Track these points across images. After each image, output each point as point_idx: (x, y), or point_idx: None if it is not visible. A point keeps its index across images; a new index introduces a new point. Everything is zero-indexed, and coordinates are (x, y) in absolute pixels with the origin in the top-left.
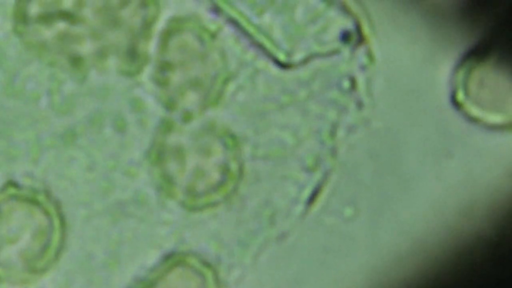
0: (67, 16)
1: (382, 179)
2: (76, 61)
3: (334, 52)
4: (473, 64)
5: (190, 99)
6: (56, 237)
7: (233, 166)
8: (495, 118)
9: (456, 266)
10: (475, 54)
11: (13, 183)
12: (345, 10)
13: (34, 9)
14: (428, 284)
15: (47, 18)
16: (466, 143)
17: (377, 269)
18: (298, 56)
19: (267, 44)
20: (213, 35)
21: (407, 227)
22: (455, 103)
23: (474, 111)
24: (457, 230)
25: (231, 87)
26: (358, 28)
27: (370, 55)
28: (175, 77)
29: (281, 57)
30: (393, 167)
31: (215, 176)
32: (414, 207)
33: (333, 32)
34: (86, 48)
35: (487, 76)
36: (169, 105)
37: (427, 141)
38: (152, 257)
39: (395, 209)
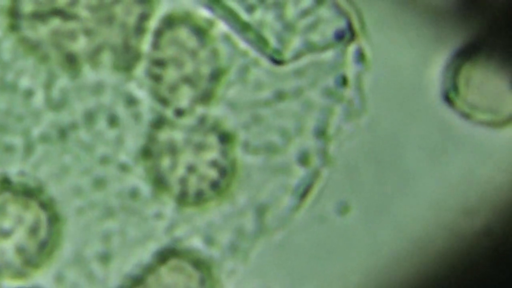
0: (61, 12)
1: (379, 177)
2: (70, 56)
3: (326, 50)
4: (461, 63)
5: (184, 95)
6: (50, 233)
7: (226, 162)
8: (485, 116)
9: (455, 265)
10: (464, 53)
11: (6, 179)
12: (337, 7)
13: (28, 7)
14: (427, 283)
15: (41, 15)
16: (460, 140)
17: (375, 268)
18: (290, 53)
19: (260, 40)
20: (208, 31)
21: (405, 225)
22: (448, 101)
23: (466, 109)
24: (455, 228)
25: (224, 83)
26: (350, 26)
27: (362, 53)
28: (170, 73)
29: (274, 53)
30: (389, 164)
31: (208, 172)
32: (412, 205)
33: (325, 30)
34: (80, 44)
35: (474, 76)
36: (164, 101)
37: (422, 138)
38: (145, 252)
39: (392, 208)
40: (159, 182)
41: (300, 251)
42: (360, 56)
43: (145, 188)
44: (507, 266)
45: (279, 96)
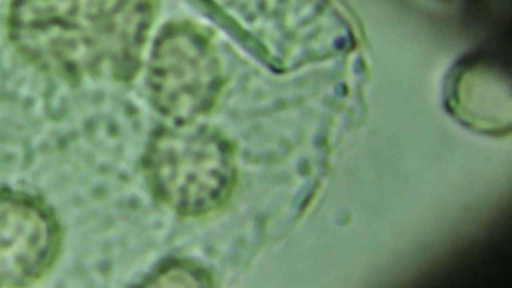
0: (61, 21)
1: (379, 180)
2: (70, 65)
3: (326, 58)
4: (462, 71)
5: (184, 104)
6: (50, 242)
7: (226, 170)
8: (485, 124)
9: (455, 267)
10: (465, 61)
11: (6, 188)
12: (337, 16)
13: (28, 15)
14: (427, 284)
15: (41, 23)
16: (459, 146)
17: (376, 269)
18: (290, 61)
19: (260, 49)
20: (208, 40)
21: (405, 226)
22: (448, 109)
23: (466, 117)
24: (455, 230)
25: (224, 92)
26: (350, 34)
27: (362, 61)
28: (170, 82)
29: (274, 62)
30: (389, 168)
31: (208, 181)
32: (412, 207)
33: (326, 38)
34: (80, 52)
35: (475, 84)
36: (163, 110)
37: (422, 144)
38: (145, 262)
39: (393, 210)
40: (159, 191)
41: (303, 254)
42: (360, 65)
43: (145, 197)
44: (507, 266)
45: (279, 105)
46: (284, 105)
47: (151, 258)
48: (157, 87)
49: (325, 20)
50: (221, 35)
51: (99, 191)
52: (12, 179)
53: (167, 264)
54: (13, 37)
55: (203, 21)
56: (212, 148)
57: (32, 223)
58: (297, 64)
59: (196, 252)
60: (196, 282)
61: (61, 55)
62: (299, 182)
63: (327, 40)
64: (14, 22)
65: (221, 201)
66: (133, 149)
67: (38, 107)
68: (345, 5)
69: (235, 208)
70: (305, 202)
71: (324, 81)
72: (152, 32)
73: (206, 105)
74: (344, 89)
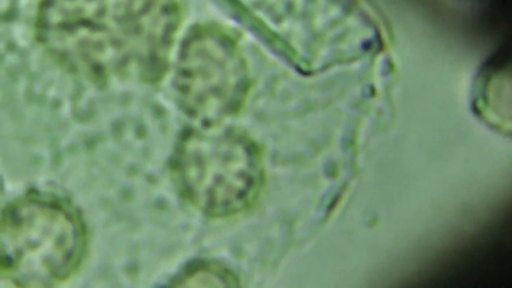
0: (89, 23)
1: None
2: (97, 67)
3: (354, 60)
4: (491, 72)
5: (211, 105)
6: (77, 244)
7: (254, 173)
8: None
9: (456, 266)
10: (494, 62)
11: (34, 190)
12: (365, 17)
13: (56, 17)
14: (427, 284)
15: (69, 25)
16: (484, 149)
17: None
18: (318, 63)
19: (288, 51)
20: (235, 42)
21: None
22: (475, 111)
23: (494, 118)
24: (458, 230)
25: (251, 93)
26: (378, 36)
27: (390, 63)
28: (197, 84)
29: (302, 64)
30: (407, 173)
31: (236, 183)
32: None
33: (353, 40)
34: (107, 54)
35: (505, 85)
36: (191, 112)
37: (446, 147)
38: (172, 264)
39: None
40: (186, 192)
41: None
42: (388, 66)
43: (172, 199)
44: (507, 266)
45: (307, 106)
46: (311, 107)
47: (178, 259)
48: (184, 89)
49: (353, 21)
50: (248, 37)
51: (126, 193)
52: (40, 180)
53: (194, 266)
54: (40, 39)
55: (230, 23)
56: (239, 150)
57: (59, 224)
58: (325, 66)
59: (223, 254)
60: (223, 284)
61: (89, 57)
62: (326, 184)
63: (354, 41)
64: (41, 24)
65: (249, 202)
66: (160, 151)
67: (66, 109)
68: (373, 6)
69: (262, 210)
70: (332, 204)
71: (352, 83)
72: (179, 34)
73: (233, 107)
74: (372, 91)
